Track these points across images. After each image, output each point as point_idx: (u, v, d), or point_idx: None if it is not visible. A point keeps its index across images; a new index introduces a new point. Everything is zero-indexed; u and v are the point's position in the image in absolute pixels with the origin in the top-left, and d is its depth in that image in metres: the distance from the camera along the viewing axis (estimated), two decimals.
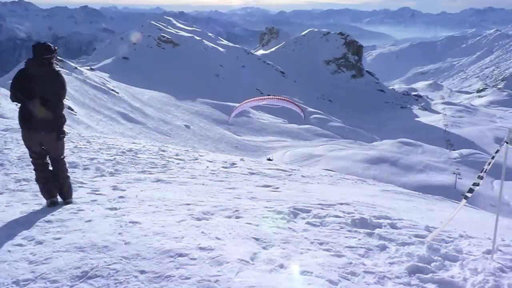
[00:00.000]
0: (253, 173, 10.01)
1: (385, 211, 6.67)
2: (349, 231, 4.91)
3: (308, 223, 5.09)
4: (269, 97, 11.98)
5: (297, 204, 6.03)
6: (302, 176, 11.22)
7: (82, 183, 6.66)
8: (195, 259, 3.31)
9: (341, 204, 6.61)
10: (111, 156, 9.99)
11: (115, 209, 4.90)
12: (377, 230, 4.98)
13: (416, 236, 4.91)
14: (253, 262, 3.43)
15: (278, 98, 12.91)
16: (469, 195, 4.24)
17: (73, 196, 5.26)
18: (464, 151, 68.96)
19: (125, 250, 3.42)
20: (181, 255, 3.36)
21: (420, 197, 11.36)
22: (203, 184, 7.64)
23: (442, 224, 4.19)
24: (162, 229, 4.02)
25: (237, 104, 12.69)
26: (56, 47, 4.77)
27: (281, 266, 3.42)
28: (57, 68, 4.82)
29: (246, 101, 13.36)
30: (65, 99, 4.88)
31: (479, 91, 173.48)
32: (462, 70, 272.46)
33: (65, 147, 11.21)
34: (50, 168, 4.98)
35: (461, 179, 54.25)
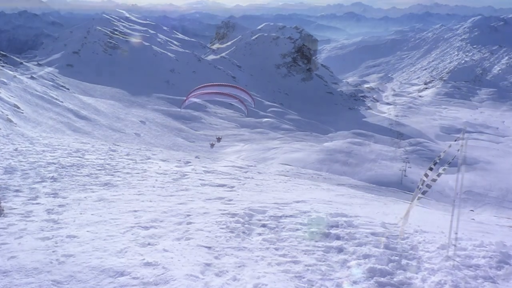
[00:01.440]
0: (208, 172, 9.70)
1: (341, 207, 6.61)
2: (306, 232, 4.76)
3: (263, 225, 4.89)
4: (222, 84, 11.52)
5: (253, 205, 5.81)
6: (259, 172, 11.07)
7: (18, 191, 6.06)
8: (137, 278, 2.98)
9: (298, 202, 6.47)
10: (55, 158, 9.33)
11: (53, 221, 4.45)
12: (333, 230, 4.86)
13: (373, 234, 4.84)
14: (204, 277, 3.16)
15: (230, 86, 12.41)
16: (427, 189, 4.28)
17: (5, 208, 4.73)
18: (413, 140, 71.95)
19: (58, 271, 3.04)
20: (122, 273, 3.03)
21: (374, 199, 11.50)
22: (153, 187, 7.25)
23: (405, 215, 4.18)
24: (104, 243, 3.66)
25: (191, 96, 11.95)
26: None
27: (234, 278, 3.18)
28: None
29: (201, 91, 12.63)
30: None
31: (426, 83, 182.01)
32: (411, 63, 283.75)
33: (5, 149, 10.39)
34: None
35: (410, 167, 56.63)
